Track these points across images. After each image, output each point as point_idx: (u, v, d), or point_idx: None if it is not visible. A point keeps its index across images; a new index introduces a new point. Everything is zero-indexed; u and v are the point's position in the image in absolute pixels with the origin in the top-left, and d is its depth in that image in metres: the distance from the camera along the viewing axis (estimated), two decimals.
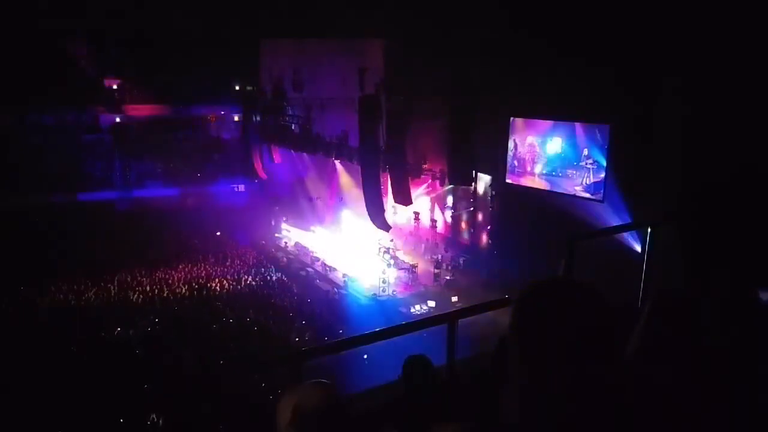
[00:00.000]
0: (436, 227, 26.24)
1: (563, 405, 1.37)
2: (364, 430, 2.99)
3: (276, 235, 30.21)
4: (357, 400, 4.33)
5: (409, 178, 23.78)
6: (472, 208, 24.11)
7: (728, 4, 11.67)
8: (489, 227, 23.26)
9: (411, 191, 23.72)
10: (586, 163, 18.54)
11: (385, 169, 23.89)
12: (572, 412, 1.37)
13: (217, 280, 24.08)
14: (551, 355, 1.37)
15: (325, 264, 25.53)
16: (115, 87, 34.28)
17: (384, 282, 22.22)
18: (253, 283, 23.97)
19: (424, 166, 24.81)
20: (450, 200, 25.47)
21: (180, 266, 25.47)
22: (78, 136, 32.60)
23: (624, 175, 16.68)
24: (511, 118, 20.89)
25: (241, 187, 34.82)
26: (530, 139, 20.47)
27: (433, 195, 25.97)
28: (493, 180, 22.56)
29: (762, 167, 8.56)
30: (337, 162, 28.86)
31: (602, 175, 17.96)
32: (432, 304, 20.46)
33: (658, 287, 2.43)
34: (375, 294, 22.10)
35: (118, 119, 34.04)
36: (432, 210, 26.52)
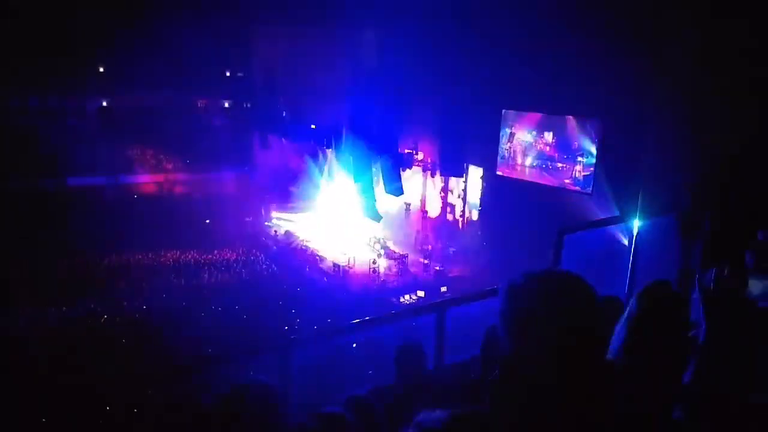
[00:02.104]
0: (426, 218, 26.29)
1: (551, 394, 1.40)
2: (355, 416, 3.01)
3: (266, 223, 30.12)
4: (349, 387, 4.36)
5: (401, 168, 23.79)
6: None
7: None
8: (479, 218, 23.33)
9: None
10: (577, 157, 18.62)
11: (376, 159, 23.87)
12: (560, 400, 1.40)
13: (205, 267, 23.99)
14: (540, 344, 1.39)
15: (314, 253, 25.53)
16: (101, 70, 33.81)
17: (374, 272, 22.25)
18: (242, 271, 23.91)
19: (416, 156, 24.81)
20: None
21: (168, 254, 25.35)
22: (63, 121, 32.16)
23: (614, 169, 16.77)
24: (503, 111, 20.91)
25: (231, 175, 34.59)
26: (521, 131, 20.51)
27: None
28: (484, 172, 22.61)
29: (755, 161, 8.63)
30: (328, 151, 28.79)
31: (592, 168, 18.06)
32: (421, 294, 20.53)
33: (647, 283, 2.47)
34: (365, 283, 22.14)
35: (104, 104, 33.64)
36: (423, 201, 26.56)
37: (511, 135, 20.75)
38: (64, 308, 19.59)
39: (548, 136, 19.63)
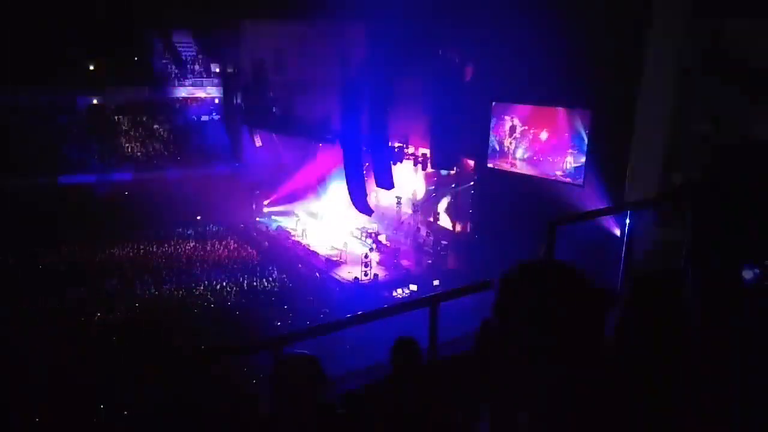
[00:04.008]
0: (418, 211, 26.29)
1: (546, 384, 1.38)
2: (348, 412, 3.00)
3: (257, 219, 30.04)
4: (341, 381, 4.34)
5: (391, 162, 23.75)
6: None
7: None
8: (470, 211, 23.34)
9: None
10: (568, 148, 18.64)
11: (367, 152, 23.81)
12: (554, 391, 1.38)
13: (197, 264, 23.91)
14: (534, 335, 1.38)
15: (306, 248, 25.48)
16: (92, 67, 33.59)
17: (366, 266, 22.25)
18: (234, 267, 23.85)
19: (407, 150, 24.77)
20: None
21: (160, 251, 25.25)
22: (53, 118, 31.92)
23: (604, 160, 16.80)
24: (493, 103, 20.89)
25: (222, 171, 34.44)
26: (512, 123, 20.51)
27: None
28: (475, 164, 22.60)
29: (744, 149, 8.66)
30: (319, 145, 28.74)
31: (583, 159, 18.08)
32: (414, 287, 20.54)
33: (639, 271, 2.46)
34: (357, 278, 22.13)
35: (95, 101, 33.40)
36: (414, 194, 26.55)
37: (502, 127, 20.73)
38: (58, 306, 19.49)
39: (538, 128, 19.64)
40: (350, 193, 23.85)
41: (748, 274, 2.70)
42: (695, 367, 1.72)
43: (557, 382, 1.38)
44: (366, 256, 22.67)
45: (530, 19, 16.08)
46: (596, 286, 1.50)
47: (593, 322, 1.43)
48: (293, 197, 31.19)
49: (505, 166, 20.73)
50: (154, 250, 25.33)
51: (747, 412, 1.81)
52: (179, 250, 25.44)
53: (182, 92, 35.14)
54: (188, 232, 27.55)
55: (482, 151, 21.35)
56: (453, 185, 24.04)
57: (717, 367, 1.75)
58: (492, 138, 21.00)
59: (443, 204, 24.95)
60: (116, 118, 33.28)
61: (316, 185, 30.88)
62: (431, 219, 25.62)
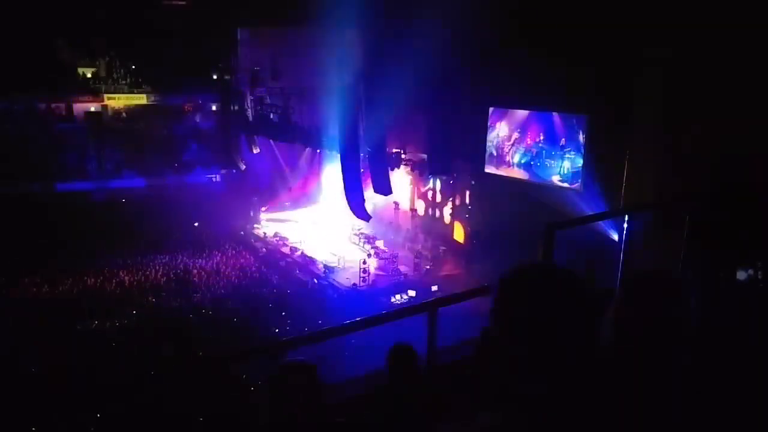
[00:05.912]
0: (416, 216, 26.31)
1: (544, 387, 1.38)
2: (347, 418, 2.99)
3: (255, 225, 30.01)
4: (339, 389, 4.32)
5: (389, 168, 23.76)
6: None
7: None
8: (467, 216, 23.36)
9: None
10: (564, 153, 18.67)
11: (365, 159, 23.82)
12: (552, 393, 1.38)
13: (195, 271, 23.85)
14: (532, 337, 1.37)
15: (304, 254, 25.45)
16: (89, 75, 33.65)
17: (364, 272, 22.22)
18: (232, 273, 23.80)
19: (404, 156, 24.80)
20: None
21: (158, 257, 25.19)
22: (51, 126, 31.93)
23: (602, 165, 16.82)
24: (490, 108, 20.93)
25: (218, 177, 34.46)
26: (509, 129, 20.54)
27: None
28: (472, 170, 22.62)
29: (741, 153, 8.69)
30: (317, 152, 28.78)
31: (580, 164, 18.11)
32: (412, 293, 20.50)
33: (636, 273, 2.45)
34: (355, 284, 22.09)
35: (92, 108, 33.44)
36: (412, 200, 26.57)
37: (498, 132, 20.75)
38: (54, 314, 19.41)
39: (535, 133, 19.68)
40: (348, 199, 23.85)
41: (742, 275, 2.71)
42: (693, 367, 1.71)
43: (553, 385, 1.38)
44: (364, 262, 22.64)
45: (527, 23, 16.15)
46: (594, 290, 1.50)
47: (590, 325, 1.43)
48: (291, 204, 31.19)
49: (503, 171, 20.75)
50: (152, 257, 25.26)
51: (746, 411, 1.81)
52: (177, 258, 25.38)
53: (180, 99, 35.19)
54: (186, 240, 27.49)
55: (480, 157, 21.38)
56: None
57: (715, 367, 1.75)
58: (489, 143, 21.03)
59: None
60: (113, 125, 33.27)
61: (314, 192, 30.89)
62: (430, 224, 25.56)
